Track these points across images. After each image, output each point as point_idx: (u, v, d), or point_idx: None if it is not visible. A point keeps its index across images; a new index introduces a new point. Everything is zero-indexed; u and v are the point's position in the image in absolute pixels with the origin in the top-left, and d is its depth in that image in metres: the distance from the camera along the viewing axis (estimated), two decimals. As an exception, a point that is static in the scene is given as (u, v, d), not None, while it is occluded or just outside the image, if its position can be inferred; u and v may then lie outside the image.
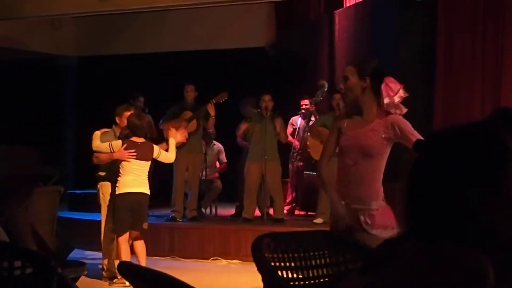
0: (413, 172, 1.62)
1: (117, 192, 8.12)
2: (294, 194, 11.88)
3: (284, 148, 11.24)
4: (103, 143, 8.27)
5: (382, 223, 4.61)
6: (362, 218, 4.64)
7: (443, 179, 1.53)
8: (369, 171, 4.68)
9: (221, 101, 10.70)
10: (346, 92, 4.81)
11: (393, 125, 4.63)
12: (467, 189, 1.51)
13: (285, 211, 11.63)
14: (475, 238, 1.49)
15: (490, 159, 1.52)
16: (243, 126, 11.04)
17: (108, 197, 8.55)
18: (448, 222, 1.52)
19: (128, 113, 8.45)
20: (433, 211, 1.54)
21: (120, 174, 8.09)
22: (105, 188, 8.62)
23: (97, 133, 8.44)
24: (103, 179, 8.66)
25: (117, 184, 8.13)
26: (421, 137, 4.48)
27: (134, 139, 8.13)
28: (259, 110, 10.72)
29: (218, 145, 12.41)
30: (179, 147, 10.85)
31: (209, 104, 10.64)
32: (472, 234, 1.50)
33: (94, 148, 8.40)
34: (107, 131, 8.63)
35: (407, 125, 4.66)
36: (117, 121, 8.71)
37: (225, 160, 12.49)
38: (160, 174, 11.45)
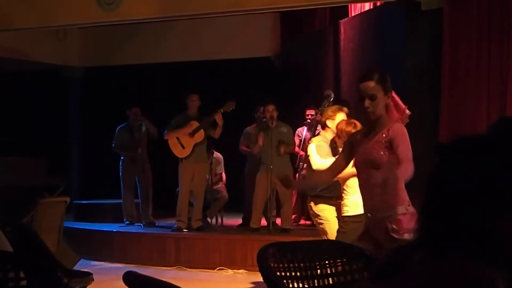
0: (431, 179, 1.61)
1: (346, 214, 6.72)
2: (299, 204, 11.83)
3: (291, 159, 11.25)
4: (323, 158, 6.85)
5: (410, 226, 4.61)
6: (389, 225, 4.63)
7: (462, 189, 1.52)
8: (386, 181, 4.67)
9: (228, 110, 10.72)
10: (374, 111, 4.68)
11: (393, 137, 4.66)
12: (486, 201, 1.49)
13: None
14: (488, 252, 1.48)
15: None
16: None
17: (332, 223, 7.12)
18: (463, 233, 1.50)
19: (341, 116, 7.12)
20: (448, 221, 1.53)
21: (345, 192, 6.69)
22: (328, 213, 7.21)
23: (313, 148, 7.13)
24: (321, 199, 7.26)
25: (344, 203, 6.75)
26: (408, 159, 4.56)
27: None
28: (264, 120, 10.82)
29: (217, 156, 12.33)
30: (185, 157, 10.88)
31: (217, 113, 10.65)
32: (486, 247, 1.48)
33: (316, 168, 6.96)
34: (321, 145, 7.18)
35: (405, 142, 4.69)
36: (329, 125, 7.27)
37: (221, 171, 12.43)
38: (163, 183, 11.47)
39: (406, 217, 4.64)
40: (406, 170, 4.55)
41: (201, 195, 11.14)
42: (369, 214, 4.79)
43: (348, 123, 6.83)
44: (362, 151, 4.78)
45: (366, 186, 4.83)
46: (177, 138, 10.92)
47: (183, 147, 10.88)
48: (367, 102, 4.66)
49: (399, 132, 4.71)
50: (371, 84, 4.67)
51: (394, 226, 4.62)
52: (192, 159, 10.86)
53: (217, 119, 10.65)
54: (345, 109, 7.40)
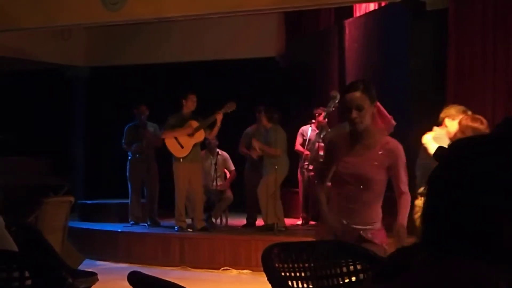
0: (433, 179, 1.60)
1: None
2: (305, 204, 11.80)
3: (292, 158, 11.26)
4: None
5: (385, 240, 4.65)
6: (364, 234, 4.63)
7: (463, 189, 1.51)
8: (372, 197, 4.65)
9: (229, 112, 10.72)
10: (362, 121, 4.53)
11: (394, 160, 4.59)
12: (488, 201, 1.49)
13: (299, 222, 11.67)
14: (490, 253, 1.47)
15: None
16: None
17: None
18: (464, 234, 1.50)
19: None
20: (450, 221, 1.52)
21: None
22: None
23: (428, 139, 6.81)
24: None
25: None
26: (405, 182, 4.53)
27: None
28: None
29: (223, 154, 12.34)
30: (183, 156, 10.88)
31: (218, 114, 10.64)
32: (488, 248, 1.48)
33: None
34: (440, 137, 6.74)
35: (404, 165, 4.63)
36: (447, 123, 6.90)
37: (233, 168, 12.44)
38: (169, 183, 11.47)
39: (381, 232, 4.69)
40: (407, 206, 4.63)
41: (200, 195, 11.11)
42: (344, 221, 4.66)
43: (474, 118, 6.37)
44: (351, 163, 4.63)
45: (347, 199, 4.67)
46: (175, 138, 10.88)
47: (182, 147, 10.85)
48: (354, 113, 4.51)
49: (400, 154, 4.62)
50: (357, 94, 4.52)
51: (370, 235, 4.63)
52: (188, 159, 10.82)
53: (218, 120, 10.66)
54: (470, 112, 6.89)
